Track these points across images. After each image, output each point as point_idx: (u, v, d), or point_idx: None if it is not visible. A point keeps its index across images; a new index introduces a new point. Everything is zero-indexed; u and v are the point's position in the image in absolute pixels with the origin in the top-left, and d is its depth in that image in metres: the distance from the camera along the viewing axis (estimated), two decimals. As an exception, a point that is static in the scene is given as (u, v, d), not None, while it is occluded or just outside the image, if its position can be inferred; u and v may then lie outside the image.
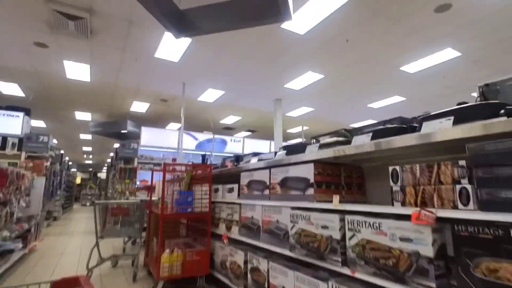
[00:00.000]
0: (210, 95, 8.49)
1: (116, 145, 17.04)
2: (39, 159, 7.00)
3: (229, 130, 12.60)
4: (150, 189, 4.25)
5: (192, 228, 4.21)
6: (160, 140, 8.63)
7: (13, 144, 6.77)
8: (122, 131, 10.86)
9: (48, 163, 7.55)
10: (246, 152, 9.88)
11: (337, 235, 1.67)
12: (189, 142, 9.06)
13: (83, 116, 10.51)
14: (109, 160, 23.99)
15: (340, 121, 11.53)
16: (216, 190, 3.39)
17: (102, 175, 32.12)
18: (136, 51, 5.87)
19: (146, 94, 8.48)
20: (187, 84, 7.62)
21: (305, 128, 12.42)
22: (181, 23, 3.39)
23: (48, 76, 7.07)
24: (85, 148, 18.67)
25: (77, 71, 6.72)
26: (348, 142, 1.88)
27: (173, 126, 11.69)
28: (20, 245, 4.07)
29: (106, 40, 5.41)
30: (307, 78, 7.13)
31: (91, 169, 32.02)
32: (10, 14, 4.66)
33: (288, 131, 12.84)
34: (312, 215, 1.85)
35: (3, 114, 6.78)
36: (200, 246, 3.40)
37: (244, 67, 6.62)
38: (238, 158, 3.45)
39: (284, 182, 2.19)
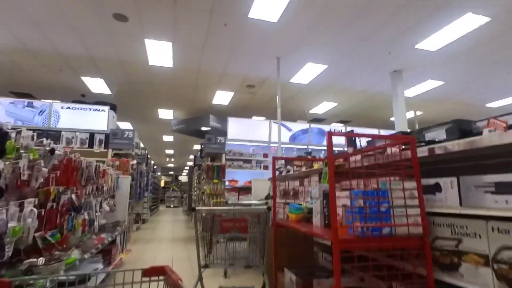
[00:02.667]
0: (307, 74, 6.83)
1: (197, 147, 16.83)
2: (125, 157, 6.32)
3: (318, 122, 10.78)
4: (274, 192, 2.68)
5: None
6: (249, 133, 7.33)
7: (100, 141, 6.21)
8: (204, 128, 10.05)
9: (135, 162, 6.89)
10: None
11: None
12: (282, 134, 7.54)
13: (165, 114, 10.01)
14: (189, 163, 24.58)
15: (473, 100, 8.61)
16: (434, 188, 1.62)
17: (182, 178, 33.60)
18: (226, 12, 4.56)
19: (231, 80, 7.28)
20: (282, 58, 6.10)
21: (418, 113, 9.79)
22: None
23: (131, 65, 6.37)
24: (167, 151, 19.09)
25: (159, 53, 5.82)
26: None
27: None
28: (100, 265, 3.00)
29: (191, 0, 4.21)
30: (461, 27, 4.87)
31: (172, 173, 33.79)
32: (84, -26, 3.79)
33: (392, 119, 10.34)
34: None
35: (90, 109, 6.29)
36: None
37: (363, 21, 4.76)
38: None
39: None
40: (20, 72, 6.66)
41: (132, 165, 6.68)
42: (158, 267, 0.96)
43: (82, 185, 2.95)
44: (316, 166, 2.91)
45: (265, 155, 7.33)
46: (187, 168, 28.14)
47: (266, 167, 7.27)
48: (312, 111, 9.52)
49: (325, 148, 7.25)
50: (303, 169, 3.75)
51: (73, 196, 2.69)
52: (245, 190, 7.01)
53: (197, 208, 2.24)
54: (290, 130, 7.59)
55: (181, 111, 9.80)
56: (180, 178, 33.95)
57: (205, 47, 5.67)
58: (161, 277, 0.96)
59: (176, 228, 9.09)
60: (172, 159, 23.34)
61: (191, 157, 21.26)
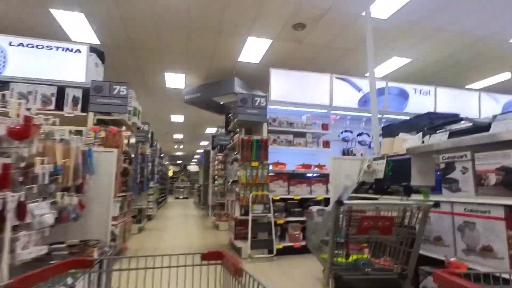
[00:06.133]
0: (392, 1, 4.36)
1: (211, 130, 14.43)
2: (115, 125, 4.00)
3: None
4: None
5: None
6: (302, 93, 4.92)
7: (75, 100, 3.89)
8: (224, 102, 7.72)
9: (130, 135, 4.59)
10: (439, 111, 5.46)
11: None
12: (348, 95, 5.14)
13: (175, 80, 7.62)
14: (199, 151, 22.31)
15: None
16: None
17: (192, 167, 31.61)
18: None
19: (272, 14, 4.85)
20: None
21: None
22: None
23: (122, -21, 4.00)
24: (176, 136, 16.82)
25: None
26: None
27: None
28: None
29: None
30: None
31: (181, 162, 31.77)
32: None
33: (485, 81, 7.73)
34: None
35: (57, 48, 3.95)
36: None
37: None
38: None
39: None
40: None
41: (128, 139, 4.38)
42: (216, 251, 1.03)
43: None
44: None
45: (325, 127, 4.93)
46: (197, 156, 26.01)
47: (326, 144, 4.89)
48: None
49: (407, 117, 4.77)
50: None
51: None
52: (297, 178, 4.67)
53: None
54: (359, 89, 5.15)
55: (196, 75, 7.41)
56: (189, 167, 31.94)
57: None
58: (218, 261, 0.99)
59: (192, 229, 6.84)
60: (181, 146, 21.13)
61: (203, 143, 19.00)
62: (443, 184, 1.79)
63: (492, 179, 1.49)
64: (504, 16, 4.87)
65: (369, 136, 5.35)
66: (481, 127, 1.66)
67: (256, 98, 4.64)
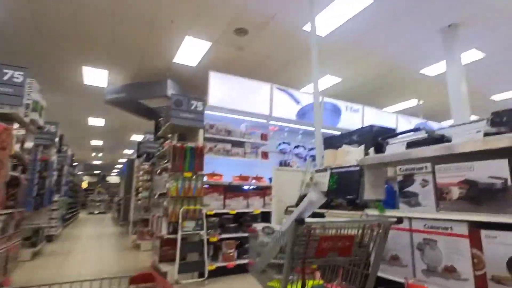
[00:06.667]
0: (333, 17, 4.53)
1: (136, 137, 13.07)
2: (3, 121, 3.05)
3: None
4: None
5: None
6: (242, 100, 4.66)
7: None
8: (154, 105, 7.00)
9: (26, 135, 3.63)
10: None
11: None
12: (287, 107, 5.07)
13: (95, 76, 6.58)
14: (122, 160, 20.14)
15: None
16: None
17: (112, 178, 28.50)
18: None
19: (214, 14, 4.55)
20: (317, -31, 3.66)
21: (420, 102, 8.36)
22: None
23: None
24: (94, 142, 14.80)
25: None
26: None
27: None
28: None
29: None
30: None
31: (99, 172, 28.30)
32: None
33: (399, 104, 8.70)
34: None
35: None
36: None
37: None
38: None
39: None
40: None
41: (22, 140, 3.43)
42: (146, 273, 0.94)
43: None
44: None
45: (264, 137, 4.74)
46: (119, 166, 23.59)
47: (265, 155, 4.70)
48: (308, 87, 7.27)
49: (340, 132, 4.96)
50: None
51: None
52: (234, 191, 4.32)
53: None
54: (298, 102, 5.15)
55: (122, 72, 6.53)
56: (108, 178, 28.65)
57: None
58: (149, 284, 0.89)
59: (107, 250, 5.78)
60: (100, 154, 18.76)
61: (127, 151, 17.20)
62: (401, 198, 1.67)
63: (455, 193, 1.41)
64: (417, 49, 5.53)
65: (305, 148, 5.38)
66: (438, 138, 1.60)
67: (192, 102, 4.18)
